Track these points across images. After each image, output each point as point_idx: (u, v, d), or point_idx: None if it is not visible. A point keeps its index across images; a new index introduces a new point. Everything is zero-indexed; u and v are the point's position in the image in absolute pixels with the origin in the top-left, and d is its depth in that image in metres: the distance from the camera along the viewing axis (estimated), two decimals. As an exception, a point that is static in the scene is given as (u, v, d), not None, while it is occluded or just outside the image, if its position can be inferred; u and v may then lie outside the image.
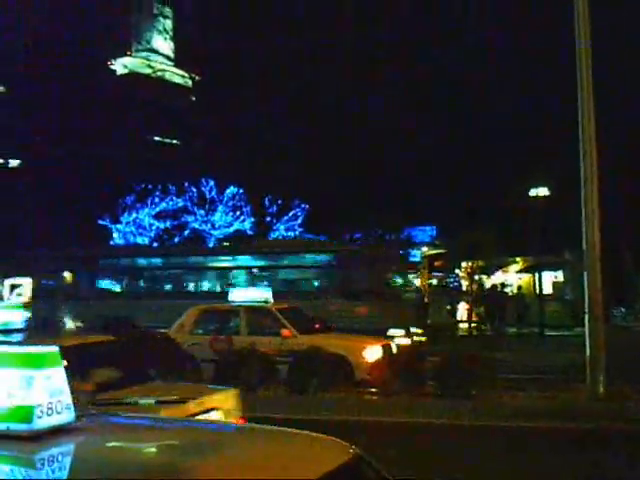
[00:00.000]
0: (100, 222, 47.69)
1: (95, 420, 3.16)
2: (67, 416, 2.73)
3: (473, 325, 29.63)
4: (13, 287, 9.76)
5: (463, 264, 34.70)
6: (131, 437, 3.03)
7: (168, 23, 41.66)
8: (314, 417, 11.62)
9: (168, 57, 42.17)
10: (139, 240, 48.35)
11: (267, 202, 43.98)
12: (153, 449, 2.92)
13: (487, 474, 8.92)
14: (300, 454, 2.82)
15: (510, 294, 34.38)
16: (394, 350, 15.76)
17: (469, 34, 37.65)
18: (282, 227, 46.75)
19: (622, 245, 33.33)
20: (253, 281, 25.25)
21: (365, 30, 35.18)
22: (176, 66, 42.89)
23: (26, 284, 9.85)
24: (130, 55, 48.48)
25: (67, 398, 2.75)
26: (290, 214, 46.93)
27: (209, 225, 47.71)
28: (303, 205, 46.54)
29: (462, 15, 37.92)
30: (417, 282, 28.55)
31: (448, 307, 33.33)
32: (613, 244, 26.06)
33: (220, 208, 48.02)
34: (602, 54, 14.63)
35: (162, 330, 16.61)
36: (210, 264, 28.38)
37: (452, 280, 37.34)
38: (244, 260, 27.25)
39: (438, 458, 9.61)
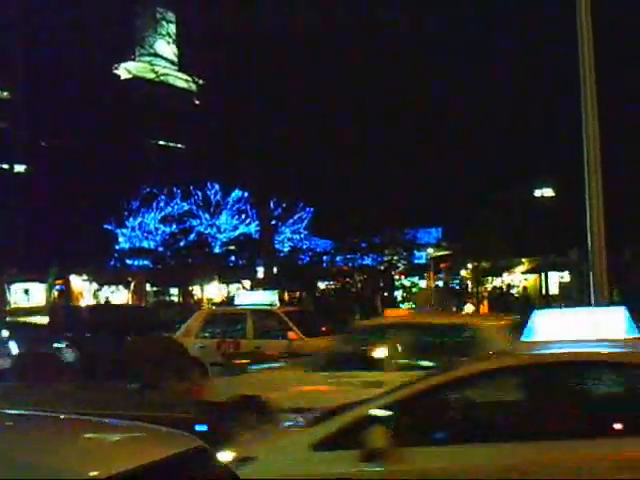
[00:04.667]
0: (105, 226, 47.73)
1: None
2: None
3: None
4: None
5: (469, 265, 34.68)
6: None
7: (171, 27, 41.63)
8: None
9: (172, 61, 42.12)
10: (145, 244, 48.40)
11: (272, 205, 43.87)
12: None
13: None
14: (131, 444, 3.00)
15: (516, 295, 34.35)
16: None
17: (471, 34, 37.55)
18: (287, 230, 46.76)
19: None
20: None
21: (375, 37, 35.03)
22: (180, 70, 42.88)
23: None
24: (134, 60, 48.57)
25: None
26: (295, 217, 46.94)
27: (214, 229, 47.72)
28: (308, 208, 46.54)
29: (467, 13, 37.82)
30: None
31: (454, 309, 33.29)
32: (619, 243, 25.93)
33: (225, 212, 48.03)
34: (605, 49, 14.59)
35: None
36: None
37: (457, 281, 37.33)
38: None
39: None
